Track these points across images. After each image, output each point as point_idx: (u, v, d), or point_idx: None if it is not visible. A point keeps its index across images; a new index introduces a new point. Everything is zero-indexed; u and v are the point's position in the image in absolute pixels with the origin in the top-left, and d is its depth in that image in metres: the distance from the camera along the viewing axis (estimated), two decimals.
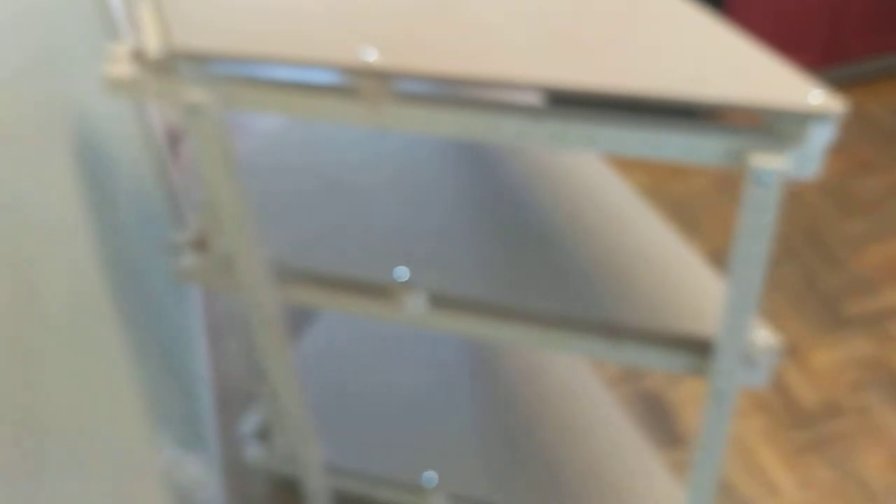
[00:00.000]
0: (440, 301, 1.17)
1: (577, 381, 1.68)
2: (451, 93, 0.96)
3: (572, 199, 1.31)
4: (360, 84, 0.95)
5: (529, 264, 1.21)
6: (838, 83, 2.81)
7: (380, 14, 1.02)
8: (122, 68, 1.06)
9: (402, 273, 1.18)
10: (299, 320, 1.83)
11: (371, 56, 0.94)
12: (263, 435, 1.68)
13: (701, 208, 2.44)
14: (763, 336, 1.06)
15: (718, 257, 2.22)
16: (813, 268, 2.23)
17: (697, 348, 1.08)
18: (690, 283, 1.15)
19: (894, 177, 2.53)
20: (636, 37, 0.94)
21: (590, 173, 1.37)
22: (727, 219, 2.40)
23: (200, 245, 1.32)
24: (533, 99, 0.94)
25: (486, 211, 1.30)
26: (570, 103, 0.91)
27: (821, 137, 0.85)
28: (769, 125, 0.86)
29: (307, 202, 1.34)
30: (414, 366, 1.74)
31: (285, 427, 1.45)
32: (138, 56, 1.06)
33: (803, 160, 0.86)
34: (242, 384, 1.88)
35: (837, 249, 2.28)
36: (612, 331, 1.12)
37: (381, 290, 1.19)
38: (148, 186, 1.76)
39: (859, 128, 2.71)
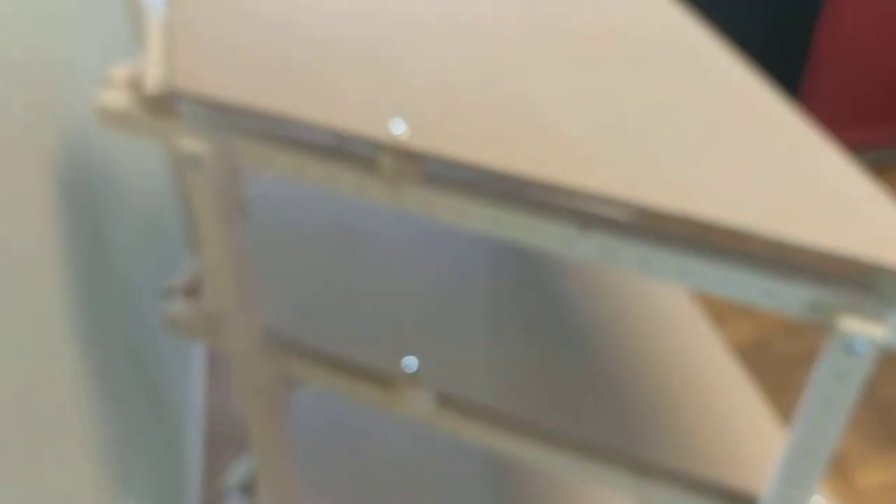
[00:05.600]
0: (449, 402, 1.02)
1: None
2: (488, 181, 0.81)
3: (618, 299, 1.14)
4: (378, 157, 0.80)
5: (557, 373, 1.05)
6: None
7: (422, 83, 0.87)
8: (117, 97, 0.92)
9: (411, 364, 1.03)
10: None
11: (398, 129, 0.79)
12: (248, 489, 1.54)
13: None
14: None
15: (744, 351, 2.04)
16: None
17: None
18: (741, 424, 0.99)
19: None
20: (719, 145, 0.78)
21: None
22: (754, 309, 2.22)
23: (193, 292, 1.18)
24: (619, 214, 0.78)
25: (516, 302, 1.14)
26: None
27: None
28: (870, 281, 0.69)
29: (315, 265, 1.20)
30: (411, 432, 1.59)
31: (269, 495, 1.31)
32: (136, 85, 0.92)
33: None
34: (239, 425, 1.74)
35: None
36: (640, 466, 0.96)
37: (384, 380, 1.04)
38: (165, 209, 1.63)
39: None
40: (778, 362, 2.05)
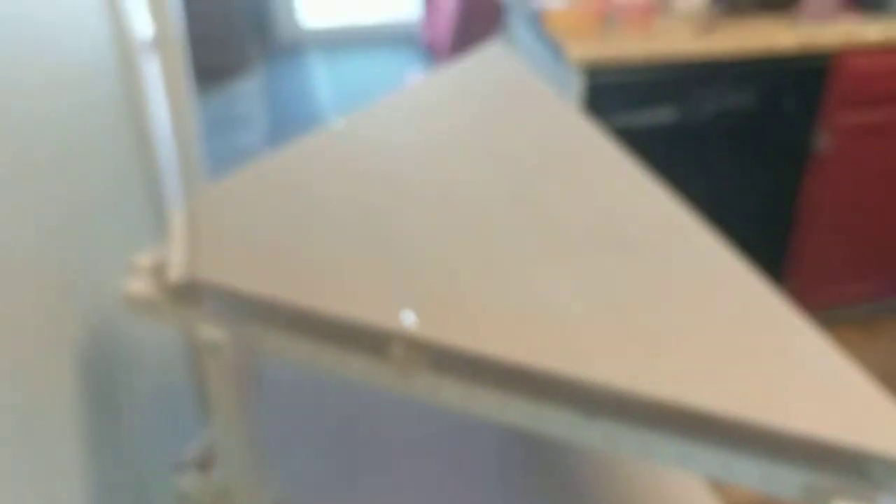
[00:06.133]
0: None
1: None
2: (494, 368, 0.85)
3: (621, 462, 1.17)
4: (390, 347, 0.85)
5: None
6: None
7: (428, 272, 0.92)
8: (141, 285, 0.97)
9: None
10: None
11: (408, 319, 0.84)
12: None
13: None
14: None
15: None
16: None
17: None
18: None
19: None
20: (712, 334, 0.83)
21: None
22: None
23: (204, 466, 1.20)
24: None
25: (528, 485, 1.16)
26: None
27: None
28: (860, 466, 0.73)
29: (323, 438, 1.22)
30: None
31: None
32: (159, 274, 0.98)
33: None
34: None
35: None
36: None
37: None
38: (178, 375, 1.67)
39: None
40: None
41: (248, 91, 3.68)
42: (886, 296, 2.53)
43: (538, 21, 1.97)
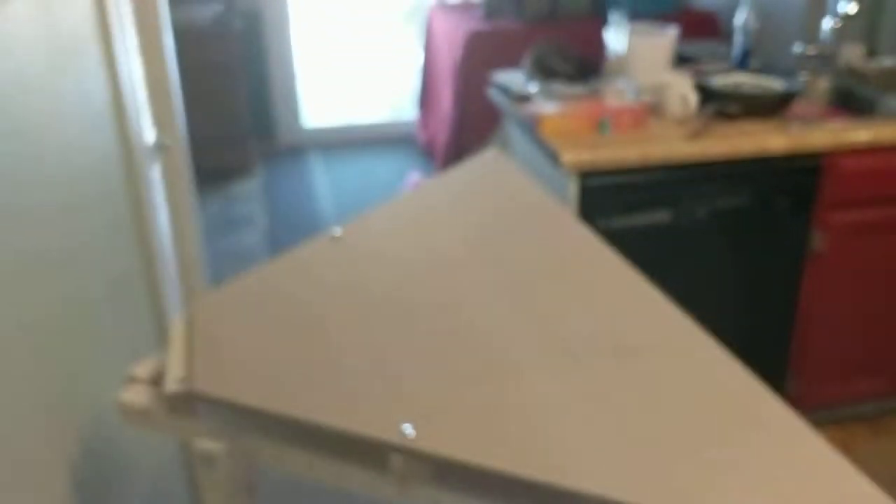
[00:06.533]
0: None
1: None
2: (494, 480, 0.84)
3: None
4: (389, 459, 0.84)
5: None
6: None
7: (427, 383, 0.92)
8: (138, 395, 0.97)
9: None
10: None
11: (407, 431, 0.84)
12: None
13: None
14: None
15: None
16: None
17: None
18: None
19: None
20: (713, 444, 0.82)
21: None
22: None
23: None
24: None
25: None
26: None
27: None
28: None
29: None
30: None
31: None
32: (156, 383, 0.98)
33: None
34: None
35: None
36: None
37: None
38: (172, 478, 1.64)
39: None
40: None
41: (249, 191, 3.73)
42: (893, 393, 2.52)
43: (532, 126, 2.01)
